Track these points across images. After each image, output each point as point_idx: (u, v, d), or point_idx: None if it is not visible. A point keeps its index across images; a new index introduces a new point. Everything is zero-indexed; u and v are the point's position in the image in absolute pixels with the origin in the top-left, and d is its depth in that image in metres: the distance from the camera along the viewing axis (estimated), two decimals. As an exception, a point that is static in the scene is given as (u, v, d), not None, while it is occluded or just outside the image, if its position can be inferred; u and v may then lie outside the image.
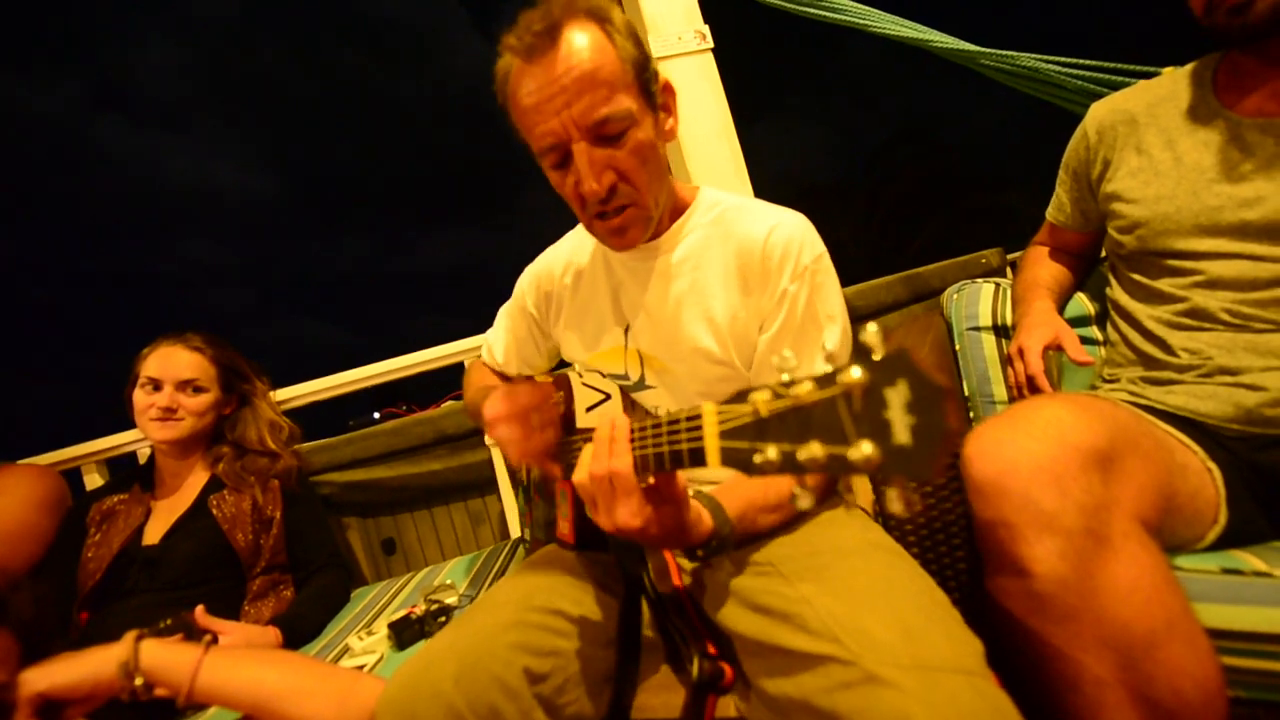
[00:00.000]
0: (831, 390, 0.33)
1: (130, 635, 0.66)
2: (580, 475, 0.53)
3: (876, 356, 0.31)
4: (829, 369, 0.34)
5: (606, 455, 0.51)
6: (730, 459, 0.40)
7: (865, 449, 0.31)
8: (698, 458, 0.43)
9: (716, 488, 0.66)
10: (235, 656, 0.67)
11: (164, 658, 0.65)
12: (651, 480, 0.51)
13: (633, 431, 0.51)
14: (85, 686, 0.63)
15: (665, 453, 0.47)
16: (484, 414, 0.69)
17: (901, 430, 0.30)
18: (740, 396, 0.40)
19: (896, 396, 0.30)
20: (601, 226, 0.72)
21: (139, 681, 0.64)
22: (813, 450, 0.33)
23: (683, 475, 0.51)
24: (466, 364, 1.61)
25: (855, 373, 0.31)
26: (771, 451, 0.36)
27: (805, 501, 0.37)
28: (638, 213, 0.71)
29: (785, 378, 0.36)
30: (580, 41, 0.63)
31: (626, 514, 0.50)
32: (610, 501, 0.51)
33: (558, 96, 0.63)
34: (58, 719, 0.63)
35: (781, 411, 0.36)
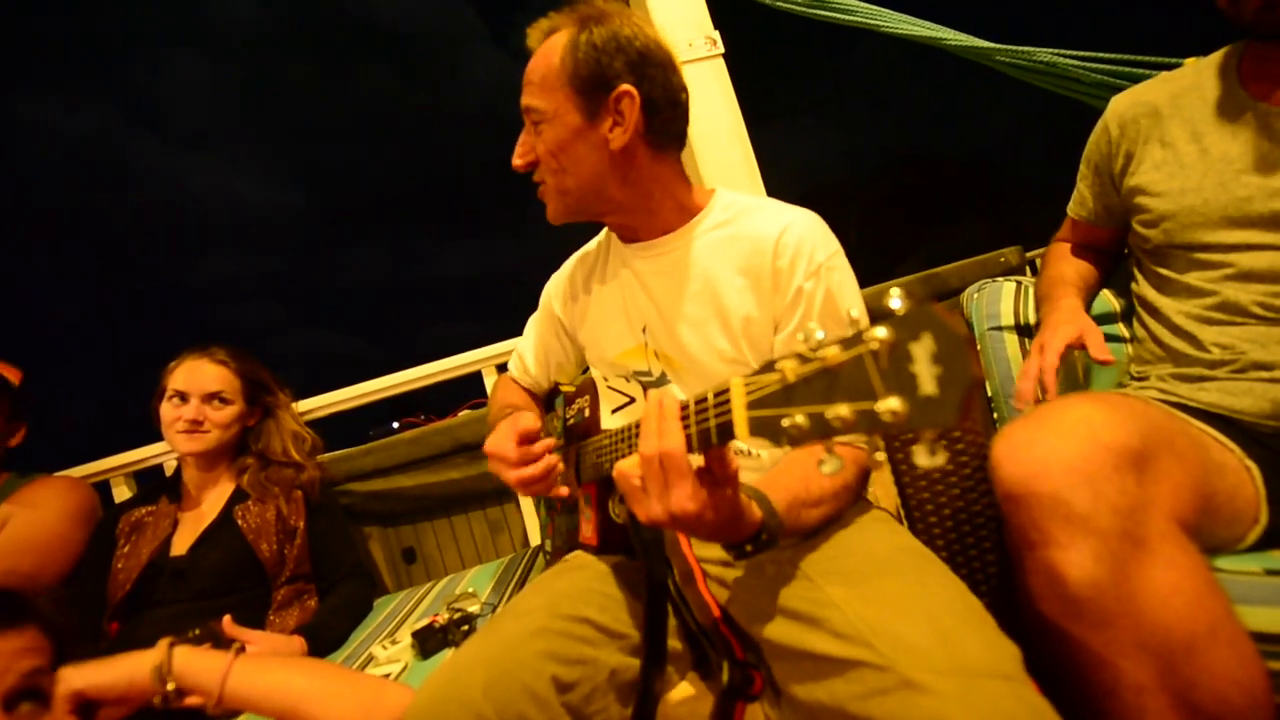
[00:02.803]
0: (858, 349, 0.33)
1: (164, 641, 0.68)
2: (627, 461, 0.50)
3: (900, 313, 0.32)
4: (854, 331, 0.34)
5: (656, 435, 0.48)
6: (759, 428, 0.40)
7: (893, 403, 0.31)
8: (726, 431, 0.43)
9: (758, 479, 0.63)
10: (264, 663, 0.69)
11: (195, 664, 0.67)
12: (701, 460, 0.48)
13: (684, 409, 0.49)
14: (120, 687, 0.65)
15: (693, 433, 0.46)
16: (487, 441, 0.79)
17: (928, 381, 0.30)
18: (768, 367, 0.40)
19: (921, 349, 0.31)
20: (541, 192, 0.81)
21: (171, 686, 0.65)
22: (840, 410, 0.34)
23: (733, 456, 0.49)
24: (484, 373, 1.62)
25: (881, 331, 0.32)
26: (799, 416, 0.36)
27: (831, 465, 0.38)
28: (546, 190, 0.79)
29: (811, 344, 0.36)
30: (550, 42, 0.74)
31: (682, 498, 0.47)
32: (663, 486, 0.48)
33: (525, 75, 0.76)
34: (92, 718, 0.64)
35: (809, 375, 0.36)
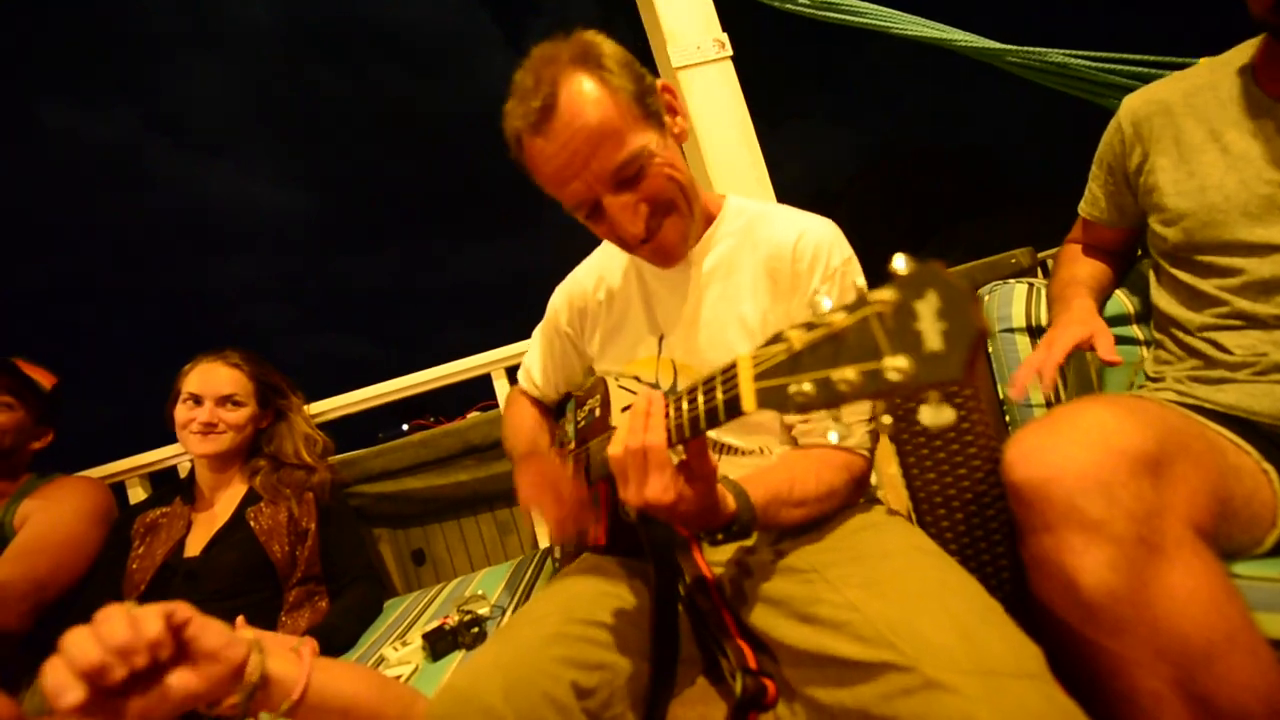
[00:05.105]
0: (864, 311, 0.33)
1: (246, 628, 0.59)
2: (615, 449, 0.53)
3: (904, 274, 0.32)
4: (860, 296, 0.34)
5: (641, 429, 0.51)
6: (767, 399, 0.40)
7: (899, 361, 0.31)
8: (733, 407, 0.43)
9: (742, 476, 0.65)
10: (334, 664, 0.61)
11: (277, 649, 0.57)
12: (684, 455, 0.52)
13: (667, 405, 0.52)
14: (218, 642, 0.53)
15: (700, 413, 0.47)
16: (518, 491, 0.78)
17: (933, 337, 0.30)
18: (775, 338, 0.40)
19: (926, 307, 0.30)
20: (647, 251, 0.74)
21: (259, 674, 0.54)
22: (846, 374, 0.33)
23: (713, 454, 0.51)
24: (493, 376, 1.63)
25: (886, 292, 0.32)
26: (806, 384, 0.36)
27: (839, 431, 0.38)
28: (674, 223, 0.71)
29: (819, 311, 0.36)
30: (578, 101, 0.63)
31: (659, 488, 0.51)
32: (642, 476, 0.51)
33: (573, 160, 0.65)
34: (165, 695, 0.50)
35: (815, 342, 0.36)
